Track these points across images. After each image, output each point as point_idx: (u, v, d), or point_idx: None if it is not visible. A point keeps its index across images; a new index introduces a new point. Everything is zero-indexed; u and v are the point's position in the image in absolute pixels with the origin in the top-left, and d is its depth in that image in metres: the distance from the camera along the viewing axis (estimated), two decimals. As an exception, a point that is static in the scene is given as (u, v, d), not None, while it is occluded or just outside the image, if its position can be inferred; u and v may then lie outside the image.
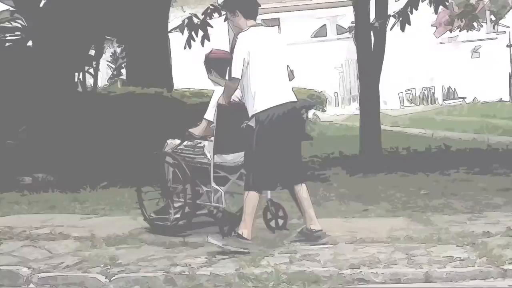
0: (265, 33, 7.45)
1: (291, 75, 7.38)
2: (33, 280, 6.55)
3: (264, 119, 7.06)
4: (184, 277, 6.27)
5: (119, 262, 6.75)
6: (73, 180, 11.40)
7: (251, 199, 7.08)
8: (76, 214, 9.49)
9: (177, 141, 7.91)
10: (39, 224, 8.68)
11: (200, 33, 15.19)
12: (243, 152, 7.64)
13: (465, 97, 35.99)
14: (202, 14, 15.55)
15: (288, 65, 7.38)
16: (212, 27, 15.34)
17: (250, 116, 7.15)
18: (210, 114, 7.68)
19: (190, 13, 15.82)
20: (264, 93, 7.09)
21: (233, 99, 7.42)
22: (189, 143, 7.84)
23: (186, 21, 15.46)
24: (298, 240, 7.30)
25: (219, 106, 7.41)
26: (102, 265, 6.68)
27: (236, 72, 7.07)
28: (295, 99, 7.29)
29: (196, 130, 7.82)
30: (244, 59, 7.06)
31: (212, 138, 7.57)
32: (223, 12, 16.28)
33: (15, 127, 12.05)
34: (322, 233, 7.25)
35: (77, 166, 11.73)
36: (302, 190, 7.36)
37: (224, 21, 18.07)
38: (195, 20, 15.38)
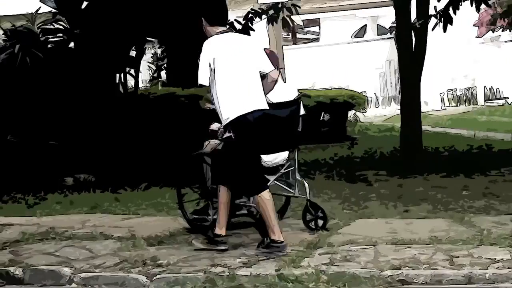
0: (232, 39, 7.34)
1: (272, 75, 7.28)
2: (75, 280, 6.61)
3: (240, 126, 7.00)
4: (224, 278, 6.29)
5: (159, 262, 6.80)
6: (114, 180, 11.48)
7: (265, 204, 7.03)
8: (117, 214, 9.56)
9: (216, 142, 7.93)
10: (80, 224, 8.78)
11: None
12: (283, 153, 7.68)
13: (508, 98, 35.57)
14: (243, 20, 15.68)
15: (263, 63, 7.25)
16: (254, 30, 15.50)
17: (223, 124, 7.13)
18: None
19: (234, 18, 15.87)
20: (232, 102, 7.03)
21: (270, 101, 7.40)
22: None
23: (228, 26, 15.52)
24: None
25: None
26: (143, 265, 6.73)
27: (202, 79, 7.07)
28: (264, 106, 7.16)
29: None
30: (210, 65, 7.02)
31: None
32: (263, 16, 16.43)
33: (58, 128, 12.15)
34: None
35: (118, 167, 11.81)
36: None
37: (268, 23, 18.30)
38: (237, 25, 15.45)
